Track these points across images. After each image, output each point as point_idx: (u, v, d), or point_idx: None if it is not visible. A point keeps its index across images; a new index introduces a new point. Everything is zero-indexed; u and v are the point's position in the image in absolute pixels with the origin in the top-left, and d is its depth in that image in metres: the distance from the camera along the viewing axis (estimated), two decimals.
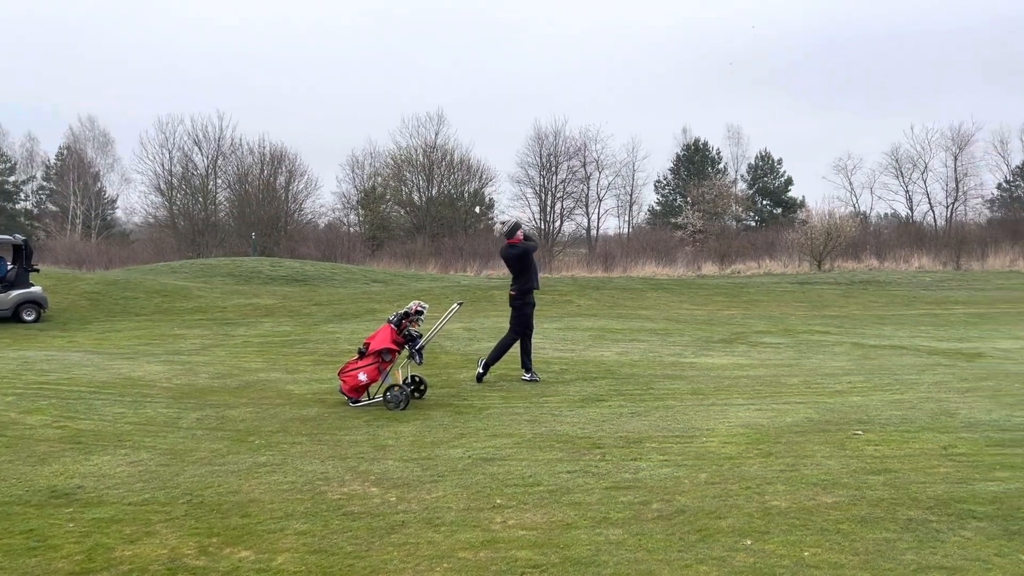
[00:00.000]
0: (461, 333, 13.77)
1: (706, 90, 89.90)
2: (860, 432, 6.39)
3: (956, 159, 55.18)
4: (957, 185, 55.11)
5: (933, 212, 56.12)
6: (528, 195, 57.13)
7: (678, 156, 61.53)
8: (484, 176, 55.68)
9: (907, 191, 57.28)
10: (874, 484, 5.09)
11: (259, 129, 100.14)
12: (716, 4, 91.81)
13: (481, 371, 9.19)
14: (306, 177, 52.22)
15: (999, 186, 57.75)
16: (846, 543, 4.17)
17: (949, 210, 55.41)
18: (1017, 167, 56.90)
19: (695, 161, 60.68)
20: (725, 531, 4.36)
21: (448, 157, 54.94)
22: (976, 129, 62.04)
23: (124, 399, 8.27)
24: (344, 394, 7.93)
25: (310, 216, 54.24)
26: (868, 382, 8.82)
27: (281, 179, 51.93)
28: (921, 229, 50.32)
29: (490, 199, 57.02)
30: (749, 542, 4.20)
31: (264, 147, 51.66)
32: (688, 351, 11.85)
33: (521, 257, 9.26)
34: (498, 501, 4.94)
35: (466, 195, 55.51)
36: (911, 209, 57.22)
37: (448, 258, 42.24)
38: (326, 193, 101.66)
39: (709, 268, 41.32)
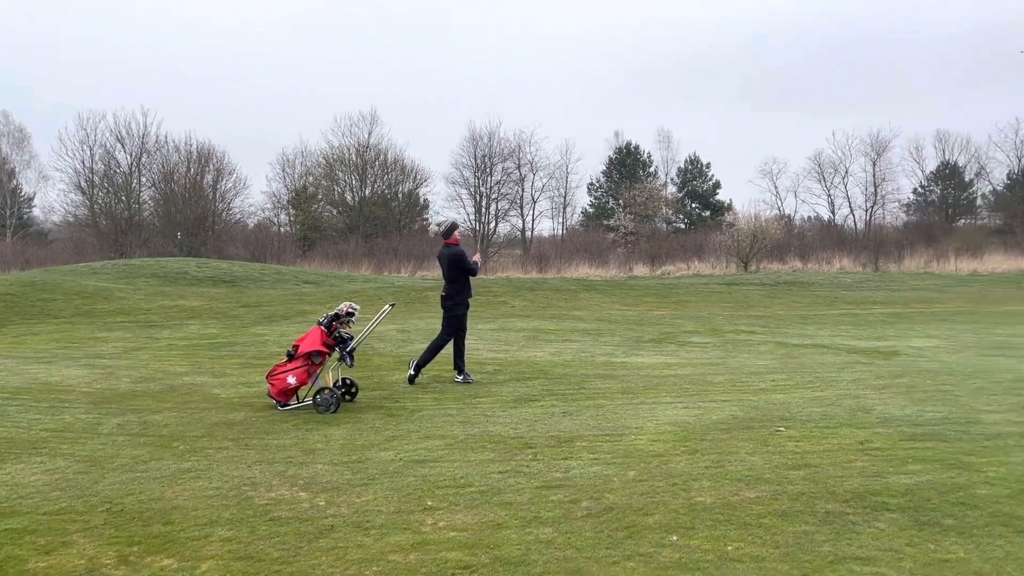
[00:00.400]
0: (394, 335, 13.67)
1: (637, 94, 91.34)
2: (782, 429, 6.59)
3: (875, 164, 57.41)
4: (875, 190, 57.33)
5: (853, 215, 58.25)
6: (463, 196, 57.05)
7: (610, 159, 62.34)
8: (419, 176, 55.39)
9: (829, 195, 59.32)
10: (794, 479, 5.26)
11: (185, 127, 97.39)
12: (645, 9, 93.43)
13: (413, 373, 9.14)
14: (235, 176, 51.03)
15: (914, 191, 60.36)
16: (767, 536, 4.30)
17: (868, 214, 57.61)
18: (931, 173, 59.53)
19: (627, 164, 61.56)
20: (652, 527, 4.45)
21: (382, 157, 54.42)
22: (893, 136, 64.58)
23: (40, 405, 7.95)
24: (272, 398, 7.79)
25: (239, 216, 53.03)
26: (790, 380, 9.11)
27: (208, 177, 50.59)
28: (842, 232, 52.13)
29: (425, 200, 56.78)
30: (675, 538, 4.30)
31: (191, 145, 50.26)
32: (619, 351, 12.01)
33: (456, 259, 9.26)
34: (429, 503, 4.93)
35: (400, 195, 55.09)
36: (833, 212, 59.27)
37: (382, 259, 41.82)
38: (256, 192, 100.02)
39: (641, 269, 41.97)
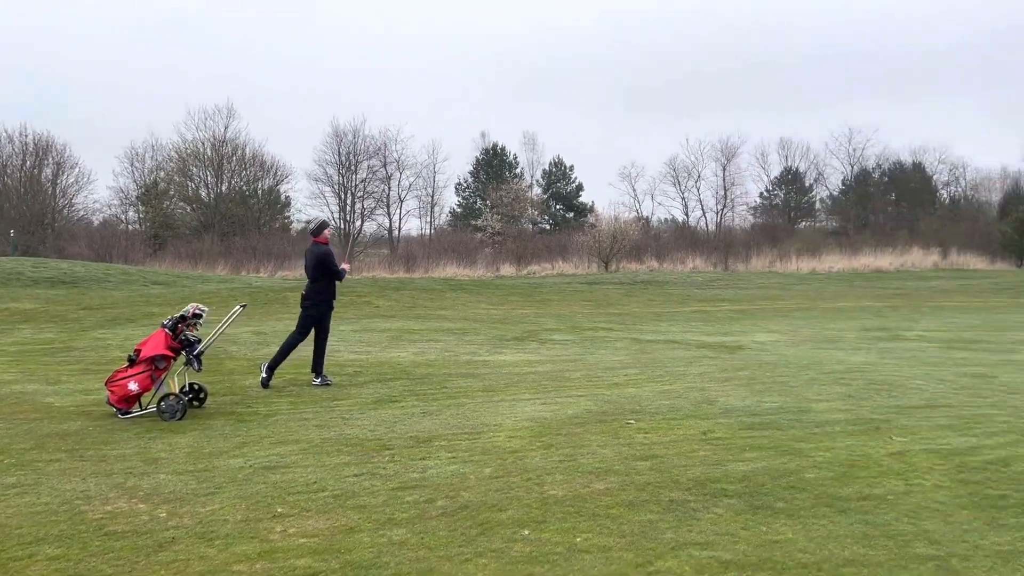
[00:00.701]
0: (249, 337, 13.18)
1: (504, 96, 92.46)
2: (632, 421, 6.85)
3: (725, 169, 60.76)
4: (725, 193, 60.67)
5: (705, 218, 61.44)
6: (327, 194, 55.77)
7: (478, 160, 62.77)
8: (280, 173, 53.63)
9: (683, 198, 62.32)
10: (642, 469, 5.48)
11: (20, 117, 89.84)
12: (508, 16, 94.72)
13: (265, 376, 8.84)
14: (77, 170, 47.64)
15: (760, 195, 64.34)
16: (615, 526, 4.45)
17: (719, 216, 60.91)
18: (775, 178, 63.62)
19: (494, 165, 62.17)
20: (505, 523, 4.51)
21: (239, 152, 52.30)
22: (741, 143, 68.80)
23: None
24: (112, 405, 7.32)
25: (82, 212, 49.57)
26: (642, 374, 9.48)
27: (47, 172, 47.01)
28: (695, 233, 54.87)
29: (286, 197, 55.07)
30: (527, 532, 4.37)
31: (26, 136, 46.51)
32: (483, 350, 12.11)
33: (323, 259, 9.04)
34: (279, 510, 4.78)
35: (260, 192, 53.17)
36: (687, 214, 62.27)
37: (239, 258, 40.18)
38: (101, 188, 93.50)
39: (507, 269, 42.49)
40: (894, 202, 62.00)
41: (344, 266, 9.28)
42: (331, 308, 9.27)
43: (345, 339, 13.00)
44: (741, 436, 6.32)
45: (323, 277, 9.07)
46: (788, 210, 62.54)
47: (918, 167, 61.65)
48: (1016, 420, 6.56)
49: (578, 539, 4.26)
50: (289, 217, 54.45)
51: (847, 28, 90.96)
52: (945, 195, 62.55)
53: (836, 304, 22.96)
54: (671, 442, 6.19)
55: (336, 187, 55.85)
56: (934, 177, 62.10)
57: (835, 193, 63.80)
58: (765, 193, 64.21)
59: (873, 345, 13.14)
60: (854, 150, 61.48)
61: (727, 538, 4.27)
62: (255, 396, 8.41)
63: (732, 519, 4.54)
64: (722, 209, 60.85)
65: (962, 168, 61.81)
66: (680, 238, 50.21)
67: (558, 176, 63.62)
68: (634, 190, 63.50)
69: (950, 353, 12.09)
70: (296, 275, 33.69)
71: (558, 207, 63.80)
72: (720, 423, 6.76)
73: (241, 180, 52.63)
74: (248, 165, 52.63)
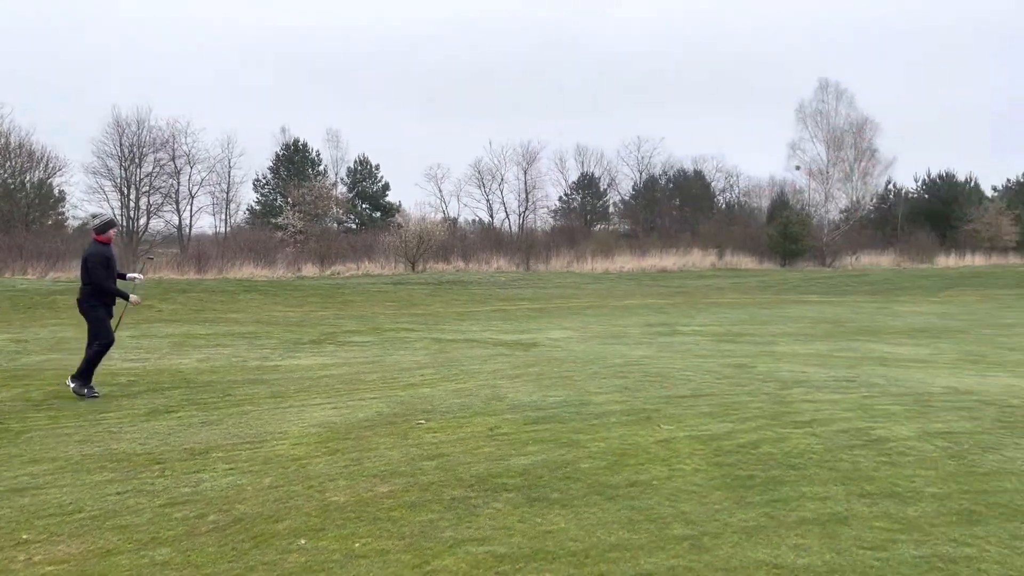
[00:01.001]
0: (7, 345, 11.86)
1: (306, 92, 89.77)
2: (423, 421, 6.87)
3: (526, 173, 62.66)
4: (527, 196, 62.60)
5: (509, 219, 63.05)
6: (106, 188, 51.23)
7: (278, 155, 60.42)
8: (52, 165, 48.65)
9: (488, 200, 63.56)
10: (427, 469, 5.50)
11: None
12: (311, 11, 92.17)
13: (73, 385, 8.11)
14: None
15: (560, 198, 67.05)
16: (395, 529, 4.43)
17: (521, 218, 62.74)
18: (573, 183, 66.56)
19: (295, 162, 60.13)
20: (281, 534, 4.35)
21: (3, 140, 46.88)
22: (541, 148, 71.05)
23: None
24: None
25: None
26: (438, 374, 9.55)
27: None
28: (500, 234, 56.15)
29: (60, 191, 50.08)
30: (303, 541, 4.25)
31: None
32: (275, 354, 11.67)
33: (102, 260, 8.26)
34: (24, 536, 4.33)
35: (28, 185, 47.95)
36: (491, 216, 63.60)
37: (3, 258, 36.01)
38: None
39: (310, 269, 41.26)
40: (678, 207, 66.87)
41: (133, 299, 8.40)
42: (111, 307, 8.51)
43: (121, 346, 12.02)
44: (525, 431, 6.52)
45: (96, 276, 8.27)
46: (585, 213, 65.64)
47: (699, 175, 66.96)
48: (767, 406, 7.27)
49: (356, 544, 4.20)
50: (64, 213, 49.61)
51: (634, 41, 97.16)
52: (722, 201, 68.36)
53: (625, 302, 24.40)
54: (458, 440, 6.27)
55: (118, 181, 51.53)
56: (712, 184, 67.69)
57: (626, 198, 67.80)
58: (564, 197, 67.03)
59: (654, 340, 14.08)
60: (642, 157, 65.70)
61: (503, 532, 4.38)
62: (7, 411, 7.56)
63: (510, 512, 4.67)
64: (524, 211, 62.79)
65: (736, 176, 67.91)
66: (485, 239, 51.16)
67: (364, 175, 62.70)
68: (440, 191, 64.00)
69: (719, 346, 13.22)
70: (70, 276, 30.74)
71: (364, 206, 62.89)
72: (507, 419, 6.94)
73: (5, 172, 47.22)
74: (13, 155, 47.31)
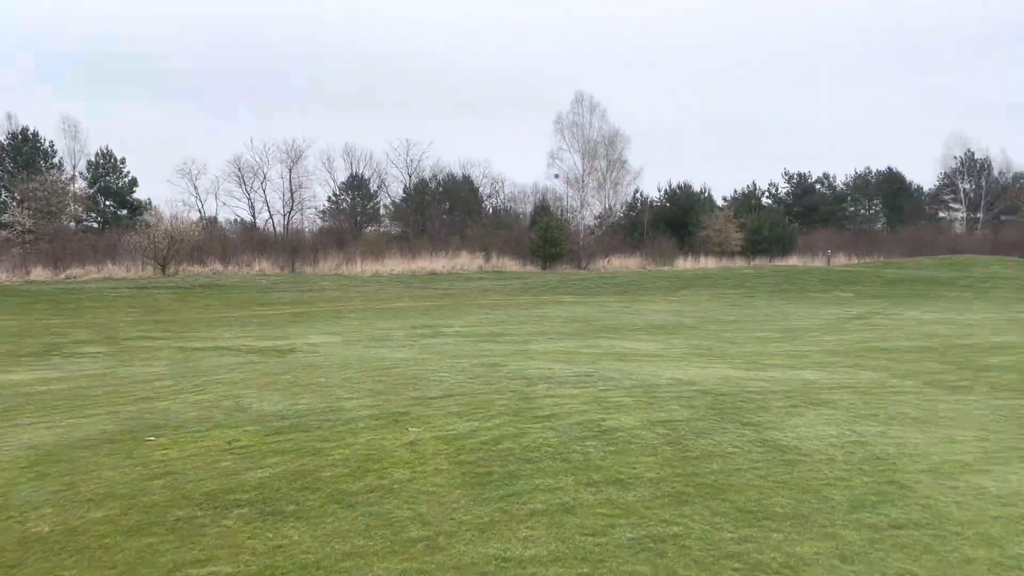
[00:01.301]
0: None
1: (37, 78, 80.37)
2: (152, 438, 6.36)
3: (291, 172, 60.52)
4: (292, 196, 60.49)
5: (272, 220, 60.52)
6: None
7: (2, 146, 53.50)
8: None
9: (250, 199, 60.56)
10: (152, 489, 5.09)
11: None
12: None
13: None
14: None
15: (328, 199, 65.53)
16: (107, 557, 4.05)
17: (287, 218, 60.49)
18: (342, 183, 65.37)
19: (24, 153, 53.58)
20: None
21: None
22: (307, 146, 69.07)
23: None
24: None
25: None
26: (177, 385, 8.90)
27: None
28: (264, 235, 53.74)
29: None
30: None
31: None
32: None
33: None
34: None
35: None
36: (254, 215, 60.69)
37: None
38: None
39: (40, 273, 36.98)
40: (448, 210, 67.98)
41: None
42: None
43: None
44: (267, 442, 6.25)
45: None
46: (355, 215, 64.69)
47: (467, 179, 68.51)
48: (512, 403, 7.55)
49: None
50: None
51: (403, 42, 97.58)
52: (489, 206, 70.45)
53: (393, 304, 24.36)
54: (192, 456, 5.87)
55: None
56: (480, 189, 69.56)
57: (397, 200, 67.77)
58: (333, 197, 65.61)
59: (416, 342, 14.16)
60: (411, 160, 65.98)
61: (230, 551, 4.16)
62: None
63: (240, 529, 4.45)
64: (290, 211, 60.61)
65: (502, 182, 70.26)
66: (247, 240, 48.70)
67: (107, 168, 57.20)
68: (196, 188, 59.85)
69: (479, 346, 13.56)
70: None
71: (108, 203, 57.41)
72: (247, 431, 6.61)
73: None
74: None
